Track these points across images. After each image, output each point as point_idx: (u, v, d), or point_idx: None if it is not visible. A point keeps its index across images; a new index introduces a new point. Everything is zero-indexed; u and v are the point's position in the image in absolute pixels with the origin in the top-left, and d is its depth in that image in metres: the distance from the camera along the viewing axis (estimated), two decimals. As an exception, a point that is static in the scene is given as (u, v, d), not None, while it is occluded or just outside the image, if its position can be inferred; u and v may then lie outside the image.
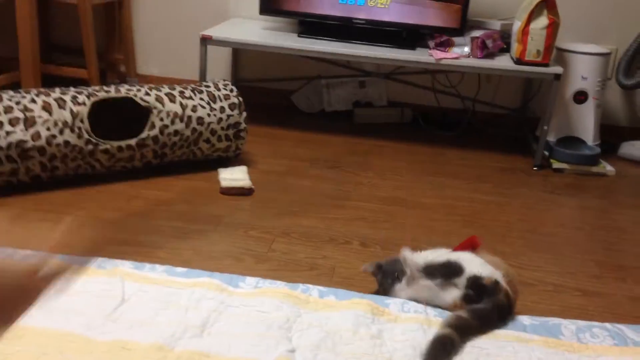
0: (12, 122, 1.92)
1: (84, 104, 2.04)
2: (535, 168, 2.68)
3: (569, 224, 2.21)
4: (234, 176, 2.20)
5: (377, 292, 1.55)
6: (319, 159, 2.55)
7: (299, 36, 2.78)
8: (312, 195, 2.19)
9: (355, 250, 1.82)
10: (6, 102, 1.95)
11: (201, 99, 2.23)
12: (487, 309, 1.38)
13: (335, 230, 1.95)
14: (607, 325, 1.45)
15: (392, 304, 1.47)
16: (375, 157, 2.64)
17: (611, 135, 2.96)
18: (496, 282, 1.41)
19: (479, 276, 1.41)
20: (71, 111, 2.01)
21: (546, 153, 2.73)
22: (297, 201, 2.14)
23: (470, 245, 1.55)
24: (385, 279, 1.52)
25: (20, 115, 1.94)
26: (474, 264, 1.45)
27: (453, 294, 1.43)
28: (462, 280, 1.43)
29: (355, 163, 2.54)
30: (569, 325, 1.44)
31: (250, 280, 1.54)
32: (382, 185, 2.34)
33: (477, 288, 1.41)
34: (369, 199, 2.21)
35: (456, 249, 1.55)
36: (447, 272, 1.43)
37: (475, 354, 1.32)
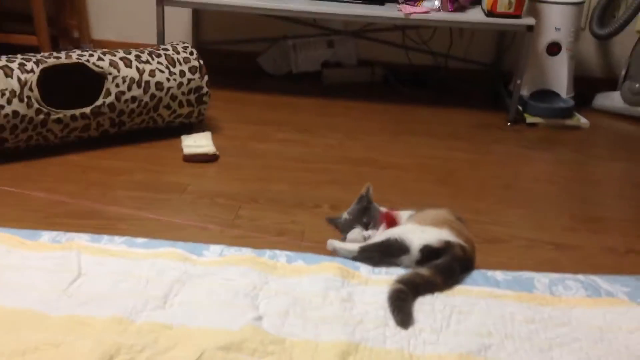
0: (-45, 93, 1.81)
1: (32, 71, 1.92)
2: (509, 123, 2.63)
3: (544, 178, 2.17)
4: (197, 142, 2.11)
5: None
6: (287, 122, 2.47)
7: (262, -5, 2.66)
8: (280, 160, 2.12)
9: (326, 213, 1.76)
10: (-53, 72, 1.83)
11: (159, 62, 2.13)
12: (447, 262, 1.35)
13: (305, 194, 1.89)
14: (580, 277, 1.42)
15: (363, 266, 1.42)
16: (346, 118, 2.57)
17: (585, 87, 2.90)
18: (447, 242, 1.37)
19: (428, 245, 1.37)
20: (19, 79, 1.89)
21: (520, 108, 2.68)
22: (265, 166, 2.06)
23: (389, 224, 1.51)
24: (353, 225, 1.50)
25: (-36, 85, 1.82)
26: (417, 235, 1.39)
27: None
28: (414, 255, 1.38)
29: (325, 125, 2.47)
30: (541, 279, 1.41)
31: (215, 248, 1.47)
32: (353, 147, 2.27)
33: (431, 254, 1.37)
34: (340, 160, 2.14)
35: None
36: (389, 252, 1.40)
37: (448, 311, 1.28)
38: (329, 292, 1.31)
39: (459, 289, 1.35)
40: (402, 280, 1.32)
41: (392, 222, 1.50)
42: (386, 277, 1.38)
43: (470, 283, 1.37)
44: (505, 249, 1.63)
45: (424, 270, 1.35)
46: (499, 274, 1.42)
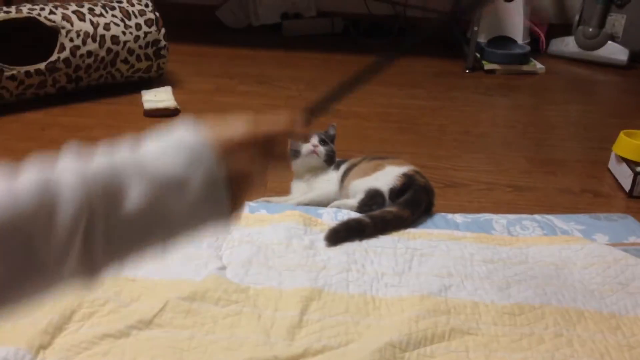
0: None
1: (-19, 27, 1.86)
2: (467, 71, 2.66)
3: (501, 123, 2.22)
4: (158, 97, 2.09)
5: None
6: (248, 75, 2.45)
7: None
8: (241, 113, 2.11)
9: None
10: None
11: (114, 15, 2.08)
12: (412, 194, 1.42)
13: (267, 145, 1.88)
14: (537, 217, 1.48)
15: (325, 213, 1.45)
16: (306, 70, 2.56)
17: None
18: (404, 175, 1.44)
19: (394, 187, 1.43)
20: (-33, 36, 1.83)
21: (478, 55, 2.71)
22: (226, 119, 2.05)
23: None
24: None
25: None
26: (381, 181, 1.45)
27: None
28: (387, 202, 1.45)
29: (286, 77, 2.46)
30: (499, 220, 1.46)
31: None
32: (313, 97, 2.26)
33: (397, 194, 1.43)
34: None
35: None
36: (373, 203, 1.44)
37: (409, 255, 1.31)
38: (291, 240, 1.34)
39: (419, 232, 1.38)
40: (372, 216, 1.36)
41: None
42: (348, 223, 1.41)
43: (430, 226, 1.42)
44: (465, 193, 1.68)
45: (391, 208, 1.40)
46: (458, 217, 1.47)
